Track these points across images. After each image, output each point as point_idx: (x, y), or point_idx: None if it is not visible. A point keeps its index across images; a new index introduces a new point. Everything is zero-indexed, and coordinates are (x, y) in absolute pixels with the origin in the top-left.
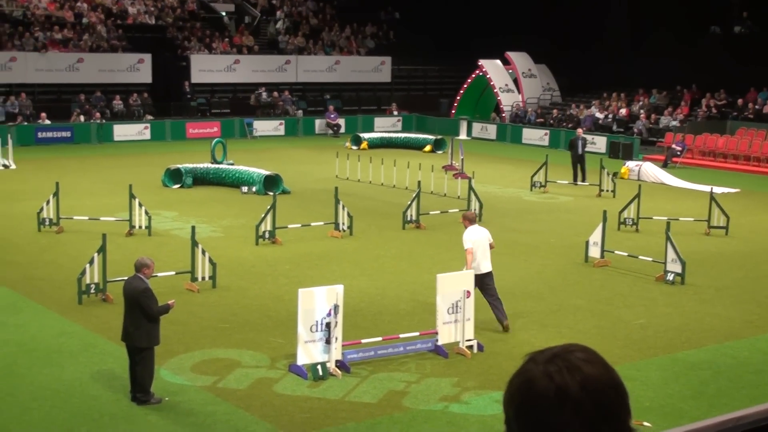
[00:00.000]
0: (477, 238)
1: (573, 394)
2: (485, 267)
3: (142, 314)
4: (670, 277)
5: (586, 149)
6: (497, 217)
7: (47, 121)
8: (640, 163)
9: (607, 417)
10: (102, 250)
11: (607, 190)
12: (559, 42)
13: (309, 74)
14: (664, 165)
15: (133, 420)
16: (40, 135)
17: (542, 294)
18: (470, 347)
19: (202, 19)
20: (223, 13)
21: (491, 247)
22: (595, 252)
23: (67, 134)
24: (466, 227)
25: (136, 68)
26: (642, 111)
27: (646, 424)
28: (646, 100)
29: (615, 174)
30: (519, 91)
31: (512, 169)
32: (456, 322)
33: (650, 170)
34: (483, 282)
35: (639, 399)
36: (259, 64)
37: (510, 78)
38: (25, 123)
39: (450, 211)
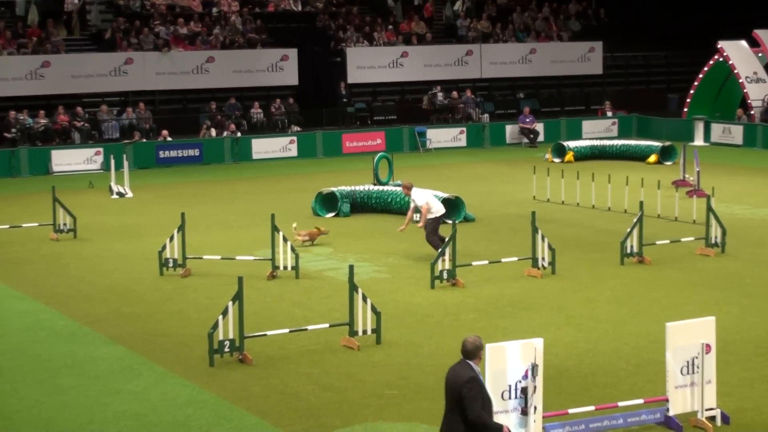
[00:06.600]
0: (427, 193)
1: None
2: (443, 209)
3: (461, 418)
4: None
5: None
6: (746, 246)
7: (169, 138)
8: None
9: None
10: (238, 297)
11: None
12: None
13: (497, 68)
14: None
15: None
16: (161, 154)
17: None
18: (712, 418)
19: (360, 2)
20: None
21: None
22: None
23: (194, 152)
24: (408, 194)
25: (280, 67)
26: None
27: None
28: None
29: None
30: None
31: (766, 183)
32: (692, 385)
33: None
34: (440, 220)
35: None
36: (432, 56)
37: (760, 64)
38: (144, 140)
39: (683, 240)
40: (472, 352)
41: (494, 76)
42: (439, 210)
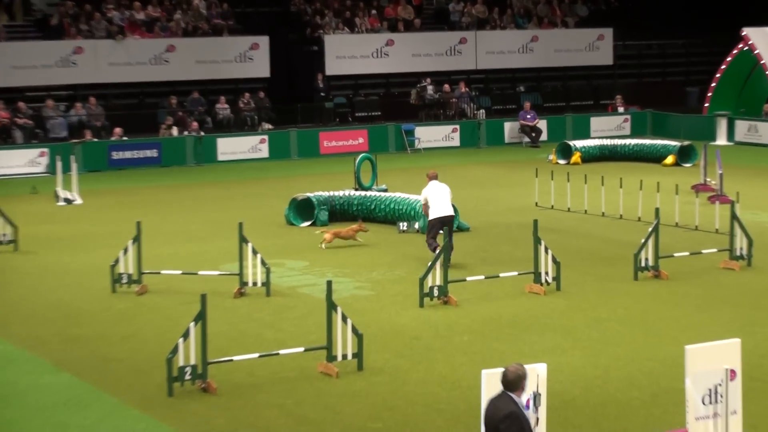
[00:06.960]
0: (434, 190)
1: None
2: (447, 210)
3: None
4: None
5: None
6: None
7: (124, 138)
8: None
9: None
10: (201, 317)
11: None
12: None
13: (494, 58)
14: None
15: None
16: (115, 155)
17: None
18: None
19: None
20: None
21: None
22: None
23: (152, 153)
24: (428, 183)
25: (249, 57)
26: None
27: None
28: None
29: None
30: None
31: None
32: (715, 416)
33: None
34: (444, 224)
35: None
36: (421, 45)
37: None
38: (95, 139)
39: (704, 251)
40: (514, 382)
41: (491, 67)
42: (436, 212)
